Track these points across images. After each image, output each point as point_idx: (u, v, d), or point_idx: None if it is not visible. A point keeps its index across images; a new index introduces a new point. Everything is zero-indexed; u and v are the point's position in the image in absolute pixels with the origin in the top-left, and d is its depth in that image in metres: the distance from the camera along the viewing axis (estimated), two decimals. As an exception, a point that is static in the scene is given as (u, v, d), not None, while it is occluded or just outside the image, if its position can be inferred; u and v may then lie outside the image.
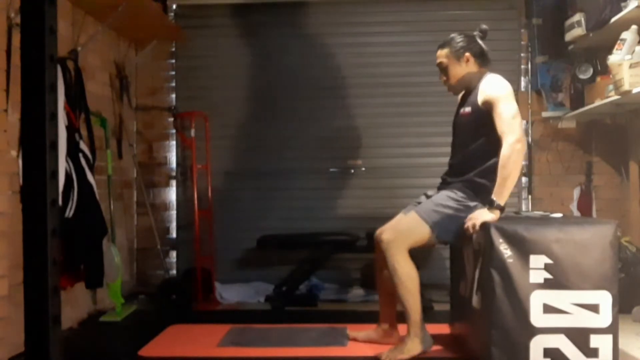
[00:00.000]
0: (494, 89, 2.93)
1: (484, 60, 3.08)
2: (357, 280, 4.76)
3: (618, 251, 2.69)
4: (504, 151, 2.80)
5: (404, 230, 2.97)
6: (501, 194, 2.78)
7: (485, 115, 2.93)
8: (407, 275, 2.94)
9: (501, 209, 2.76)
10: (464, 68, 3.06)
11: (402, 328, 3.23)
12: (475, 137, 2.99)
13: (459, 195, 2.95)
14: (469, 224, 2.79)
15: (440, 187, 3.13)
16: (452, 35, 3.11)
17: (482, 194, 2.91)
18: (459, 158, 3.11)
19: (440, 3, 4.90)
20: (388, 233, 2.99)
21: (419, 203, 3.09)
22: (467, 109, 3.04)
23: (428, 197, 3.11)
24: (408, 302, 2.96)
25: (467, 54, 3.06)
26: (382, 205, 4.59)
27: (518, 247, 2.58)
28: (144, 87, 4.97)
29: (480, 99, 2.96)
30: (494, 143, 2.88)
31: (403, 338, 3.04)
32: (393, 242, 2.95)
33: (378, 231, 3.07)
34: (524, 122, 4.82)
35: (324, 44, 4.93)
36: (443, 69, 3.10)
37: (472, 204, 2.93)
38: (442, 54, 3.09)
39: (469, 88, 3.08)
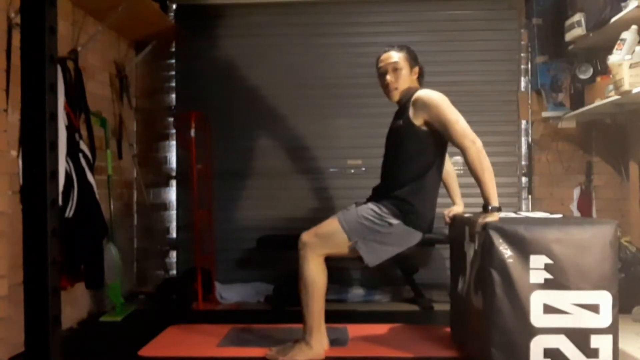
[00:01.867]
0: (428, 97, 2.89)
1: (422, 82, 3.11)
2: (357, 280, 4.76)
3: (618, 251, 2.69)
4: (468, 157, 2.78)
5: (323, 235, 2.97)
6: (491, 196, 2.75)
7: (416, 131, 2.92)
8: (312, 281, 2.94)
9: (497, 209, 2.76)
10: (411, 78, 3.06)
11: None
12: (406, 153, 2.97)
13: (383, 210, 2.94)
14: (474, 229, 2.76)
15: (370, 198, 3.11)
16: (405, 45, 3.11)
17: (407, 214, 2.92)
18: (389, 173, 3.09)
19: (440, 3, 4.90)
20: (307, 235, 2.99)
21: (348, 211, 3.07)
22: (400, 122, 3.01)
23: (357, 205, 3.09)
24: (308, 308, 2.96)
25: (417, 67, 3.09)
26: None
27: (518, 247, 2.58)
28: (144, 87, 4.98)
29: (411, 111, 2.93)
30: (423, 161, 2.93)
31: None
32: (309, 245, 2.95)
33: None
34: (524, 122, 4.83)
35: (324, 44, 4.93)
36: (396, 70, 3.03)
37: (394, 221, 2.93)
38: (401, 56, 3.04)
39: (402, 101, 3.04)
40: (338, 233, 2.95)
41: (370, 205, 3.00)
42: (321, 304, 2.99)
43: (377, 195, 3.08)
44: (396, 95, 3.06)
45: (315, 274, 2.95)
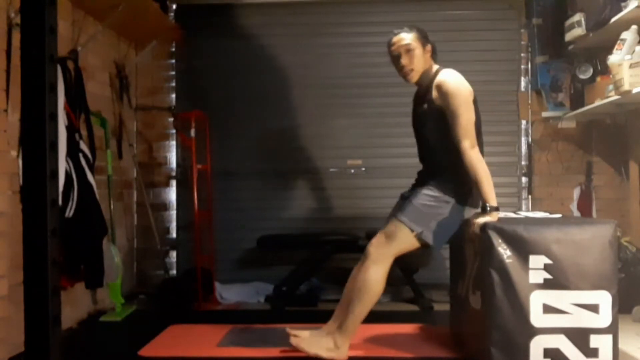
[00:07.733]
0: (451, 86, 2.88)
1: (435, 59, 3.07)
2: (357, 280, 4.76)
3: (618, 251, 2.69)
4: (465, 160, 2.80)
5: (390, 235, 2.94)
6: (488, 196, 2.76)
7: (442, 113, 2.90)
8: (372, 286, 2.91)
9: (495, 209, 2.76)
10: (425, 58, 3.02)
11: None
12: (437, 135, 2.97)
13: (435, 191, 2.94)
14: (472, 229, 2.77)
15: (416, 185, 3.11)
16: (414, 24, 3.07)
17: (456, 192, 2.93)
18: (426, 156, 3.11)
19: (440, 3, 4.90)
20: (376, 239, 2.96)
21: (399, 206, 3.06)
22: (424, 107, 3.00)
23: (405, 197, 3.09)
24: (354, 310, 2.93)
25: (429, 45, 3.04)
26: (382, 205, 4.56)
27: (517, 247, 2.58)
28: (144, 87, 4.98)
29: (435, 94, 2.93)
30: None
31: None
32: (378, 250, 2.93)
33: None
34: (524, 122, 4.83)
35: (324, 44, 4.93)
36: (408, 51, 2.98)
37: (450, 199, 2.93)
38: (411, 37, 2.99)
39: (423, 83, 3.03)
40: (402, 229, 2.92)
41: (424, 191, 2.97)
42: (368, 311, 2.96)
43: (424, 180, 3.06)
44: (414, 77, 3.03)
45: (378, 280, 2.91)
